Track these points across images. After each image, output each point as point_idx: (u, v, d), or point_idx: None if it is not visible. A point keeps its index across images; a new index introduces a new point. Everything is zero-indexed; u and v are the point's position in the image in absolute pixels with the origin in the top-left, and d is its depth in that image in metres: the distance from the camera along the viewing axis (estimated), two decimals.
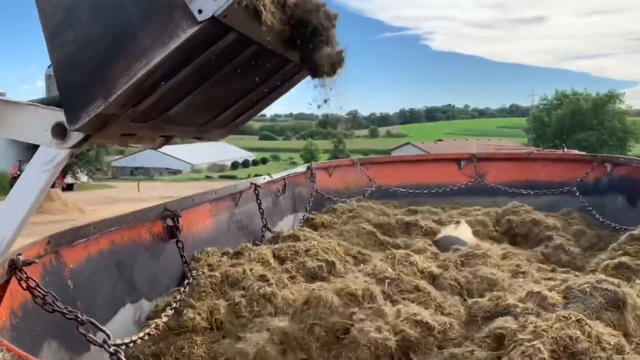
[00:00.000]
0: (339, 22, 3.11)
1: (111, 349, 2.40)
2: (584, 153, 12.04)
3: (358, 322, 2.98)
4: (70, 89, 2.45)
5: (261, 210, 5.35)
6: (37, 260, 2.56)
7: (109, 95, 2.39)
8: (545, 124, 66.94)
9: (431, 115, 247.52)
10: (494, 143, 65.13)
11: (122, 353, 2.40)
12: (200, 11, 2.31)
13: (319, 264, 4.20)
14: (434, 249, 4.83)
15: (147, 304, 3.53)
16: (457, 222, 5.65)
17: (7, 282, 2.41)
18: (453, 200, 7.26)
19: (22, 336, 2.37)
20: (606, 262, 4.21)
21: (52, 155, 2.53)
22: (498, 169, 7.64)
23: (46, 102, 2.64)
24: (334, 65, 3.15)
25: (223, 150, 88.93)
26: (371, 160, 8.28)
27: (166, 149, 62.87)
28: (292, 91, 3.88)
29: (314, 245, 4.45)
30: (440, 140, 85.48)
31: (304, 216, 6.38)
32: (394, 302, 3.28)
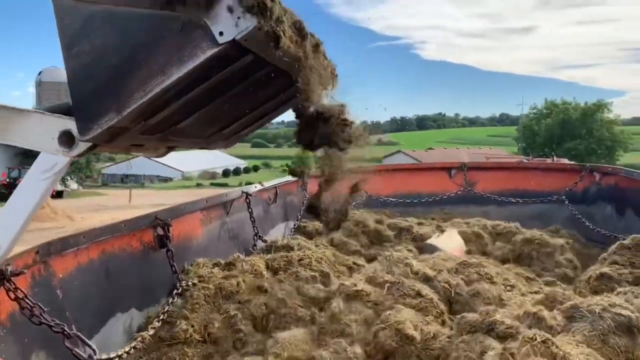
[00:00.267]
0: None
1: None
2: (573, 162, 12.14)
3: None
4: (84, 100, 2.44)
5: (252, 219, 5.34)
6: (25, 271, 2.54)
7: (122, 109, 2.39)
8: (535, 133, 67.53)
9: (422, 123, 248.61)
10: (484, 152, 65.54)
11: None
12: (221, 33, 2.30)
13: (313, 274, 4.19)
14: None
15: (138, 314, 3.51)
16: (443, 231, 5.68)
17: None
18: (443, 209, 7.29)
19: (9, 347, 2.35)
20: (589, 273, 4.22)
21: (52, 163, 2.51)
22: (488, 178, 7.69)
23: (52, 109, 2.63)
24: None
25: (214, 158, 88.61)
26: (362, 169, 8.28)
27: None
28: None
29: (307, 255, 4.45)
30: (431, 148, 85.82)
31: (294, 225, 6.38)
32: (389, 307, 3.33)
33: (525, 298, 3.74)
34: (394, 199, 7.41)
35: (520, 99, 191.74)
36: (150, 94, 2.36)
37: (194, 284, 3.78)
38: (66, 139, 2.46)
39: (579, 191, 6.97)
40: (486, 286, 3.83)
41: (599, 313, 2.87)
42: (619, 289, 3.64)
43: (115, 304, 3.33)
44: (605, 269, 4.12)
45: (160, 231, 3.87)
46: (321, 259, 4.44)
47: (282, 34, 2.51)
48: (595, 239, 5.87)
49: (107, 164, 74.43)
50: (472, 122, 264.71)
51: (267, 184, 6.22)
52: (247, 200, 5.36)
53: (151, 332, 3.16)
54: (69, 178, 43.37)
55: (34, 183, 2.53)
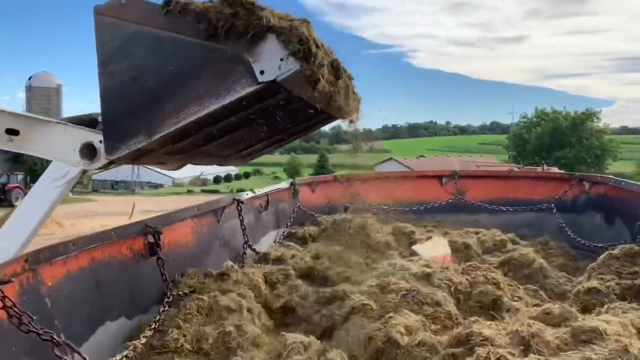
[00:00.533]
0: None
1: None
2: (562, 172, 12.24)
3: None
4: (115, 119, 2.41)
5: (243, 227, 5.33)
6: (13, 279, 2.51)
7: (153, 133, 2.36)
8: (525, 141, 68.00)
9: (413, 131, 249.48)
10: (475, 159, 65.87)
11: None
12: (262, 72, 2.31)
13: (313, 288, 4.22)
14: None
15: (127, 323, 3.48)
16: (429, 237, 5.70)
17: None
18: (434, 217, 7.32)
19: None
20: (577, 287, 4.23)
21: (64, 171, 2.49)
22: (479, 186, 7.73)
23: (74, 120, 2.60)
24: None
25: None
26: (354, 177, 8.32)
27: None
28: None
29: (302, 267, 4.49)
30: (422, 156, 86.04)
31: (283, 232, 6.39)
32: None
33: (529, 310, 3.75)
34: (385, 207, 7.43)
35: (511, 107, 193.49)
36: (184, 122, 2.34)
37: (185, 294, 3.75)
38: (87, 151, 2.45)
39: (569, 200, 7.03)
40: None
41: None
42: (608, 305, 3.66)
43: (105, 312, 3.30)
44: (594, 283, 4.14)
45: (150, 239, 3.85)
46: (314, 269, 4.47)
47: (320, 77, 2.50)
48: (583, 248, 5.91)
49: (97, 170, 73.92)
50: (463, 130, 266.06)
51: (258, 191, 6.22)
52: (239, 208, 5.34)
53: (143, 340, 3.13)
54: None
55: (45, 191, 2.50)
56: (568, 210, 6.84)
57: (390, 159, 76.41)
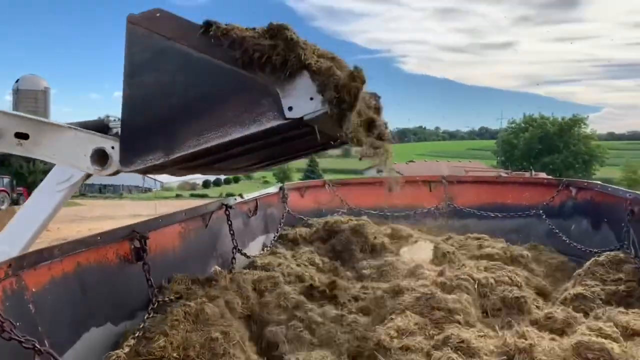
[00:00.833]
0: None
1: None
2: (550, 177, 12.33)
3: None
4: (135, 131, 2.36)
5: (232, 232, 5.29)
6: None
7: (171, 152, 2.32)
8: (513, 147, 68.61)
9: (403, 136, 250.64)
10: (464, 165, 66.24)
11: None
12: (290, 108, 2.27)
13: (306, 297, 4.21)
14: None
15: (113, 329, 3.43)
16: (415, 242, 5.72)
17: None
18: (423, 222, 7.33)
19: None
20: (564, 294, 4.28)
21: (68, 175, 2.45)
22: (467, 191, 7.76)
23: (85, 125, 2.56)
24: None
25: None
26: (343, 182, 8.33)
27: None
28: None
29: (289, 273, 4.47)
30: (411, 161, 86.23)
31: (274, 237, 6.36)
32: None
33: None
34: (374, 212, 7.43)
35: (500, 113, 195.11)
36: (203, 146, 2.30)
37: (171, 300, 3.71)
38: (98, 157, 2.42)
39: (556, 205, 7.07)
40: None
41: None
42: (595, 310, 3.77)
43: (90, 318, 3.26)
44: (580, 289, 4.22)
45: (137, 244, 3.81)
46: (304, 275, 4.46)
47: (348, 118, 2.43)
48: (571, 253, 5.95)
49: None
50: (452, 135, 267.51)
51: (247, 196, 6.19)
52: (227, 213, 5.31)
53: (126, 349, 3.09)
54: None
55: (48, 194, 2.47)
56: (555, 216, 6.89)
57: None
